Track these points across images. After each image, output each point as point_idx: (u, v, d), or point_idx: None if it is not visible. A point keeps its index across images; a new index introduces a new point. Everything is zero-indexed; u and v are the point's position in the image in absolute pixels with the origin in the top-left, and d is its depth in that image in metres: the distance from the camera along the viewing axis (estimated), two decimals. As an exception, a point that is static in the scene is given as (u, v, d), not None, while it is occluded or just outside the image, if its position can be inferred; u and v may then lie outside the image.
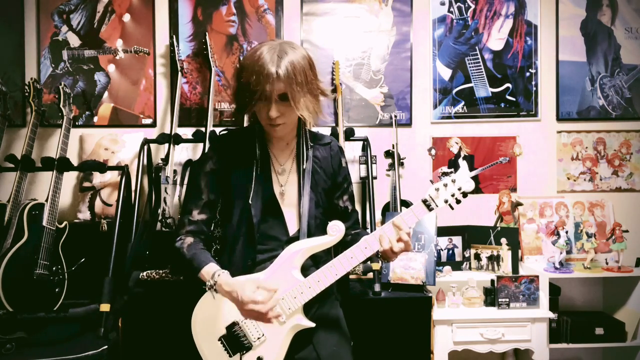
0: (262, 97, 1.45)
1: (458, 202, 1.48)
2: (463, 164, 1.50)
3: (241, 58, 2.84)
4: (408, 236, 1.48)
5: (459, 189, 1.46)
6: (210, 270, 1.47)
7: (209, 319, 1.54)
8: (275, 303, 1.43)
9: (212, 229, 1.65)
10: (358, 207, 2.82)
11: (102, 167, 2.61)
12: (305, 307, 1.52)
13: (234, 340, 1.52)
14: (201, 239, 1.58)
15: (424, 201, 1.48)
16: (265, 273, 1.52)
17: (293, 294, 1.49)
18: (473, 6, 2.93)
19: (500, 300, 2.46)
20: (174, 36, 2.80)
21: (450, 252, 2.76)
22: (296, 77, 1.44)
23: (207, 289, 1.48)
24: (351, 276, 2.49)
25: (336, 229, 1.51)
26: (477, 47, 2.93)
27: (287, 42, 1.51)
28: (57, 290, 2.32)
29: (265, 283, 1.44)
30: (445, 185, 1.47)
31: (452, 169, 2.93)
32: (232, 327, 1.52)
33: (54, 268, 2.32)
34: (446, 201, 1.47)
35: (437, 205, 1.47)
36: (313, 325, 1.52)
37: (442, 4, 2.93)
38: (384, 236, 1.48)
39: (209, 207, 1.59)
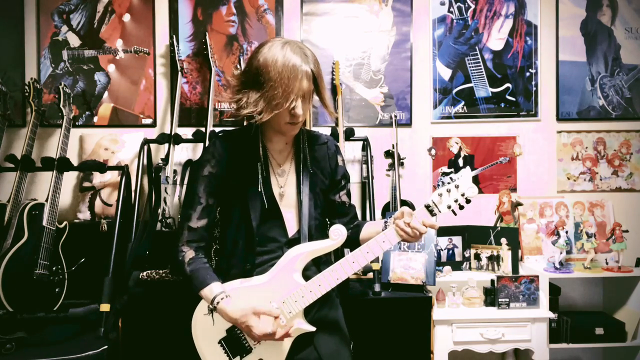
0: (295, 96, 1.45)
1: (461, 207, 1.47)
2: (467, 169, 1.48)
3: (242, 59, 2.83)
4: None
5: (462, 195, 1.45)
6: (210, 295, 1.48)
7: (209, 322, 1.53)
8: (285, 330, 1.46)
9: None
10: (358, 208, 2.82)
11: (102, 167, 2.61)
12: (306, 307, 1.51)
13: (234, 343, 1.51)
14: (202, 247, 1.57)
15: (427, 207, 1.47)
16: (266, 276, 1.52)
17: (294, 298, 1.49)
18: (473, 6, 2.93)
19: (500, 300, 2.46)
20: (174, 36, 2.80)
21: (450, 252, 2.76)
22: (319, 74, 1.50)
23: (208, 311, 1.51)
24: (351, 276, 2.48)
25: (338, 233, 1.50)
26: (477, 47, 2.93)
27: (292, 39, 1.53)
28: (57, 290, 2.32)
29: (265, 309, 1.45)
30: (449, 191, 1.45)
31: (452, 169, 2.93)
32: (232, 329, 1.51)
33: (54, 268, 2.32)
34: (449, 207, 1.46)
35: (439, 211, 1.47)
36: (313, 329, 1.51)
37: (442, 4, 2.93)
38: (387, 241, 1.48)
39: (209, 211, 1.57)
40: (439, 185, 1.49)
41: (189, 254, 1.54)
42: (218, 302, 1.46)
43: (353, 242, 1.66)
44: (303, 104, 1.49)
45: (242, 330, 1.47)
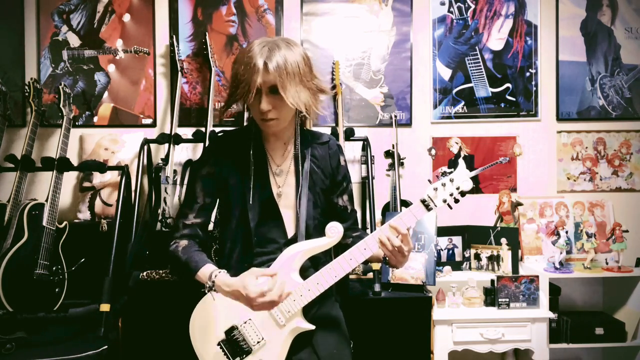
0: (250, 89, 1.44)
1: (456, 201, 1.48)
2: (461, 163, 1.50)
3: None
4: (406, 237, 1.48)
5: (457, 189, 1.46)
6: (207, 272, 1.47)
7: (207, 324, 1.53)
8: (281, 287, 1.42)
9: (212, 228, 1.65)
10: (358, 207, 2.82)
11: (102, 167, 2.61)
12: (304, 308, 1.51)
13: (233, 344, 1.51)
14: (196, 241, 1.57)
15: (423, 201, 1.48)
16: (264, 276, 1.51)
17: (292, 297, 1.48)
18: (473, 6, 2.93)
19: (500, 300, 2.46)
20: (174, 36, 2.80)
21: (450, 252, 2.76)
22: (286, 68, 1.44)
23: (206, 291, 1.47)
24: (351, 276, 2.49)
25: (334, 231, 1.50)
26: (477, 47, 2.93)
27: (285, 38, 1.51)
28: (57, 290, 2.32)
29: (262, 269, 1.45)
30: (444, 184, 1.47)
31: (452, 169, 2.92)
32: (231, 331, 1.51)
33: (54, 268, 2.32)
34: (444, 201, 1.47)
35: (435, 205, 1.47)
36: (313, 327, 1.51)
37: (442, 4, 2.93)
38: (383, 236, 1.47)
39: (205, 210, 1.58)
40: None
41: (182, 243, 1.54)
42: (216, 275, 1.45)
43: None
44: (269, 98, 1.46)
45: (241, 300, 1.43)
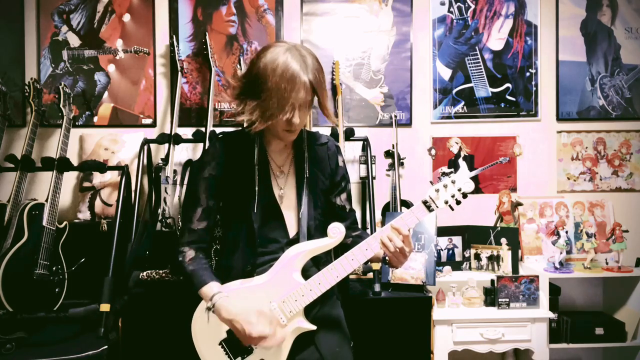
0: (300, 107, 1.45)
1: (458, 202, 1.48)
2: (463, 164, 1.50)
3: (242, 59, 2.84)
4: (407, 238, 1.48)
5: (459, 190, 1.46)
6: (209, 292, 1.48)
7: (209, 323, 1.53)
8: (282, 336, 1.47)
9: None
10: (358, 207, 2.83)
11: (102, 167, 2.61)
12: (306, 307, 1.51)
13: (235, 344, 1.51)
14: (202, 248, 1.57)
15: (424, 202, 1.48)
16: (266, 276, 1.52)
17: (294, 297, 1.49)
18: (473, 6, 2.93)
19: (500, 300, 2.46)
20: (174, 36, 2.80)
21: (450, 252, 2.76)
22: (322, 82, 1.47)
23: (206, 309, 1.50)
24: (351, 276, 2.49)
25: (336, 231, 1.50)
26: (477, 47, 2.93)
27: (301, 46, 1.50)
28: (57, 290, 2.32)
29: (267, 311, 1.47)
30: (445, 186, 1.47)
31: (452, 169, 2.93)
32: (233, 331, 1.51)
33: (54, 268, 2.32)
34: (446, 202, 1.47)
35: (437, 207, 1.47)
36: (314, 328, 1.52)
37: (442, 4, 2.93)
38: (385, 237, 1.47)
39: (209, 213, 1.58)
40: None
41: (189, 254, 1.54)
42: (217, 300, 1.46)
43: None
44: (301, 112, 1.47)
45: (237, 330, 1.45)
